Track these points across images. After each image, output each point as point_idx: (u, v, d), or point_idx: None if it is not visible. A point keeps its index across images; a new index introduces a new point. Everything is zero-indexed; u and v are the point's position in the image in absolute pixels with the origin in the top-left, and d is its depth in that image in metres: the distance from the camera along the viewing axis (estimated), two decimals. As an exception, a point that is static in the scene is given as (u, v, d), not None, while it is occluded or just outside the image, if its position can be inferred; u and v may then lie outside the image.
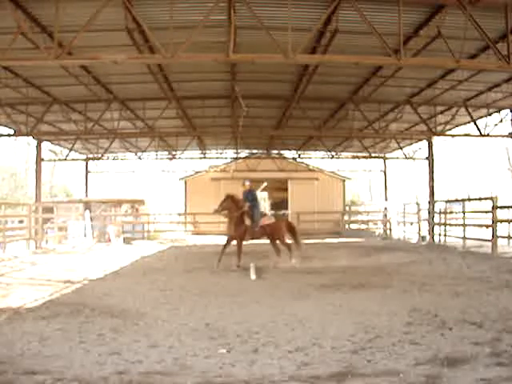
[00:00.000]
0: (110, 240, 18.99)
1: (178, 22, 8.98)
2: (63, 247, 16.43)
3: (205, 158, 26.63)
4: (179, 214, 25.96)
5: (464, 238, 14.04)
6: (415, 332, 4.83)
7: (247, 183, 11.24)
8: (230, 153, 26.07)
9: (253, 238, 10.83)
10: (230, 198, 10.66)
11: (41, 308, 6.20)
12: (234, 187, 25.22)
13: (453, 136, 19.51)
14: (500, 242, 12.59)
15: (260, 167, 25.76)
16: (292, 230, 11.40)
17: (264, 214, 11.18)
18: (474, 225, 15.22)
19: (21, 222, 19.12)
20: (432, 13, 9.35)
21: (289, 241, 11.31)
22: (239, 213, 10.52)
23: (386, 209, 23.28)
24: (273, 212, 23.81)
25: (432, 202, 17.66)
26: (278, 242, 11.02)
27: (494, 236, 12.04)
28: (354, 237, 21.09)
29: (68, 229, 18.97)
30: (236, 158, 25.72)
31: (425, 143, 19.82)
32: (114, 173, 29.00)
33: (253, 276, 9.21)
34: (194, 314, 5.89)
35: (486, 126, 16.71)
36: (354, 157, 26.20)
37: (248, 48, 10.15)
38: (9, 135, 17.49)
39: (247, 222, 10.56)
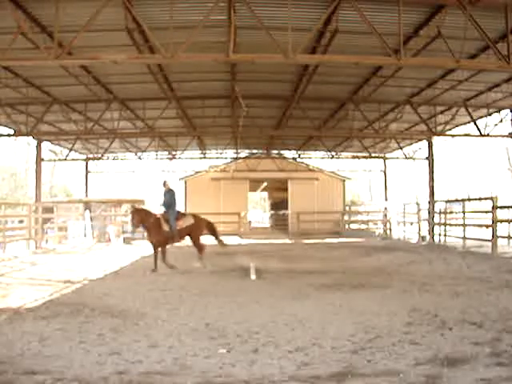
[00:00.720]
0: (109, 240, 18.99)
1: (177, 21, 8.98)
2: (63, 247, 16.43)
3: (205, 157, 26.65)
4: (179, 214, 25.93)
5: (464, 237, 14.03)
6: (415, 332, 4.83)
7: (167, 183, 10.76)
8: (230, 153, 26.09)
9: (174, 242, 10.46)
10: (136, 211, 10.31)
11: (41, 308, 6.20)
12: (234, 187, 25.45)
13: (453, 136, 19.51)
14: (500, 241, 12.59)
15: (260, 167, 25.76)
16: (212, 229, 11.01)
17: (183, 215, 10.72)
18: (474, 225, 15.22)
19: (21, 221, 19.13)
20: (432, 13, 9.35)
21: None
22: (155, 218, 10.18)
23: (385, 209, 23.28)
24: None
25: (432, 202, 17.66)
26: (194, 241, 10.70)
27: (494, 236, 12.04)
28: (353, 237, 21.10)
29: (68, 229, 18.97)
30: (236, 158, 25.73)
31: (425, 143, 19.83)
32: (114, 173, 29.02)
33: (253, 276, 9.22)
34: (194, 313, 5.89)
35: (486, 126, 16.72)
36: (354, 157, 26.22)
37: (248, 48, 10.15)
38: (9, 135, 17.49)
39: (165, 227, 10.18)
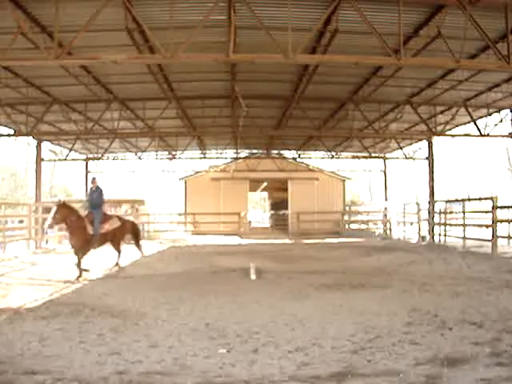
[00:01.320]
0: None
1: (177, 21, 8.98)
2: (63, 247, 16.42)
3: (205, 157, 26.63)
4: (179, 214, 25.99)
5: (464, 237, 14.04)
6: (415, 332, 4.83)
7: (96, 180, 10.00)
8: (230, 153, 26.07)
9: (96, 247, 9.60)
10: (62, 207, 9.22)
11: (41, 308, 6.20)
12: (234, 187, 25.45)
13: (453, 136, 19.50)
14: (500, 241, 12.60)
15: (260, 167, 25.77)
16: (136, 232, 10.40)
17: (110, 217, 9.92)
18: (474, 225, 15.22)
19: (21, 221, 19.12)
20: (432, 13, 9.35)
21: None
22: (78, 219, 9.23)
23: (385, 209, 23.29)
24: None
25: (432, 202, 17.66)
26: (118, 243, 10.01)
27: (494, 236, 12.04)
28: (353, 237, 21.11)
29: (68, 229, 18.91)
30: (236, 158, 25.73)
31: (425, 143, 19.82)
32: (114, 173, 29.01)
33: (253, 276, 9.22)
34: (194, 313, 5.89)
35: (486, 126, 16.71)
36: (354, 157, 26.20)
37: (248, 48, 10.14)
38: (9, 135, 17.49)
39: (90, 230, 9.28)
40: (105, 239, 9.64)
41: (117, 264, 9.74)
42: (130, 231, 10.25)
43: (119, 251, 9.90)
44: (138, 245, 10.39)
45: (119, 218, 10.18)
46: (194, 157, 26.74)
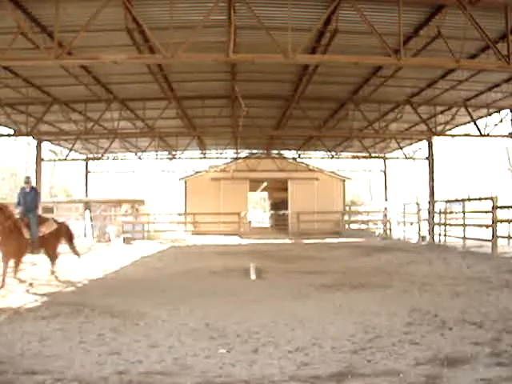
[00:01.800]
0: (109, 240, 18.99)
1: (177, 21, 8.99)
2: (63, 247, 16.40)
3: (205, 157, 26.66)
4: (179, 214, 26.00)
5: (464, 237, 14.04)
6: (415, 332, 4.83)
7: (30, 180, 9.11)
8: (230, 153, 26.10)
9: (32, 252, 8.59)
10: None
11: (41, 308, 6.21)
12: (234, 187, 25.45)
13: (453, 136, 19.52)
14: (500, 241, 12.59)
15: (260, 167, 25.77)
16: (69, 235, 9.55)
17: (45, 220, 8.98)
18: (474, 225, 15.22)
19: (21, 221, 19.10)
20: (432, 13, 9.35)
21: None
22: (12, 223, 8.09)
23: (385, 209, 23.29)
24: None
25: (432, 202, 17.66)
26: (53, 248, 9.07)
27: (494, 236, 12.04)
28: (353, 237, 21.11)
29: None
30: (236, 158, 25.74)
31: (425, 143, 19.82)
32: (114, 173, 29.03)
33: (253, 276, 9.22)
34: (194, 313, 5.89)
35: (486, 126, 16.72)
36: (354, 157, 26.22)
37: (248, 48, 10.15)
38: (9, 135, 17.50)
39: (26, 234, 8.26)
40: (42, 243, 8.66)
41: (53, 271, 8.86)
42: (65, 234, 9.42)
43: (55, 256, 9.03)
44: (73, 248, 9.59)
45: (55, 220, 9.38)
46: (194, 157, 26.77)
